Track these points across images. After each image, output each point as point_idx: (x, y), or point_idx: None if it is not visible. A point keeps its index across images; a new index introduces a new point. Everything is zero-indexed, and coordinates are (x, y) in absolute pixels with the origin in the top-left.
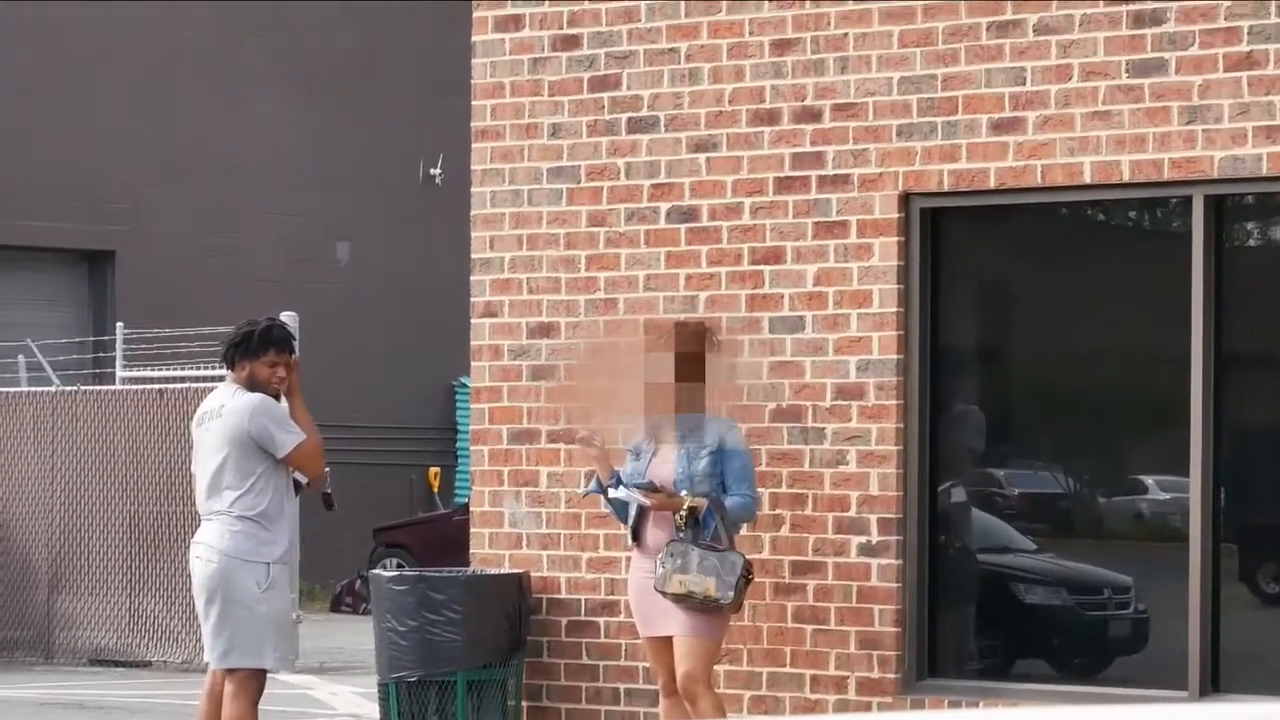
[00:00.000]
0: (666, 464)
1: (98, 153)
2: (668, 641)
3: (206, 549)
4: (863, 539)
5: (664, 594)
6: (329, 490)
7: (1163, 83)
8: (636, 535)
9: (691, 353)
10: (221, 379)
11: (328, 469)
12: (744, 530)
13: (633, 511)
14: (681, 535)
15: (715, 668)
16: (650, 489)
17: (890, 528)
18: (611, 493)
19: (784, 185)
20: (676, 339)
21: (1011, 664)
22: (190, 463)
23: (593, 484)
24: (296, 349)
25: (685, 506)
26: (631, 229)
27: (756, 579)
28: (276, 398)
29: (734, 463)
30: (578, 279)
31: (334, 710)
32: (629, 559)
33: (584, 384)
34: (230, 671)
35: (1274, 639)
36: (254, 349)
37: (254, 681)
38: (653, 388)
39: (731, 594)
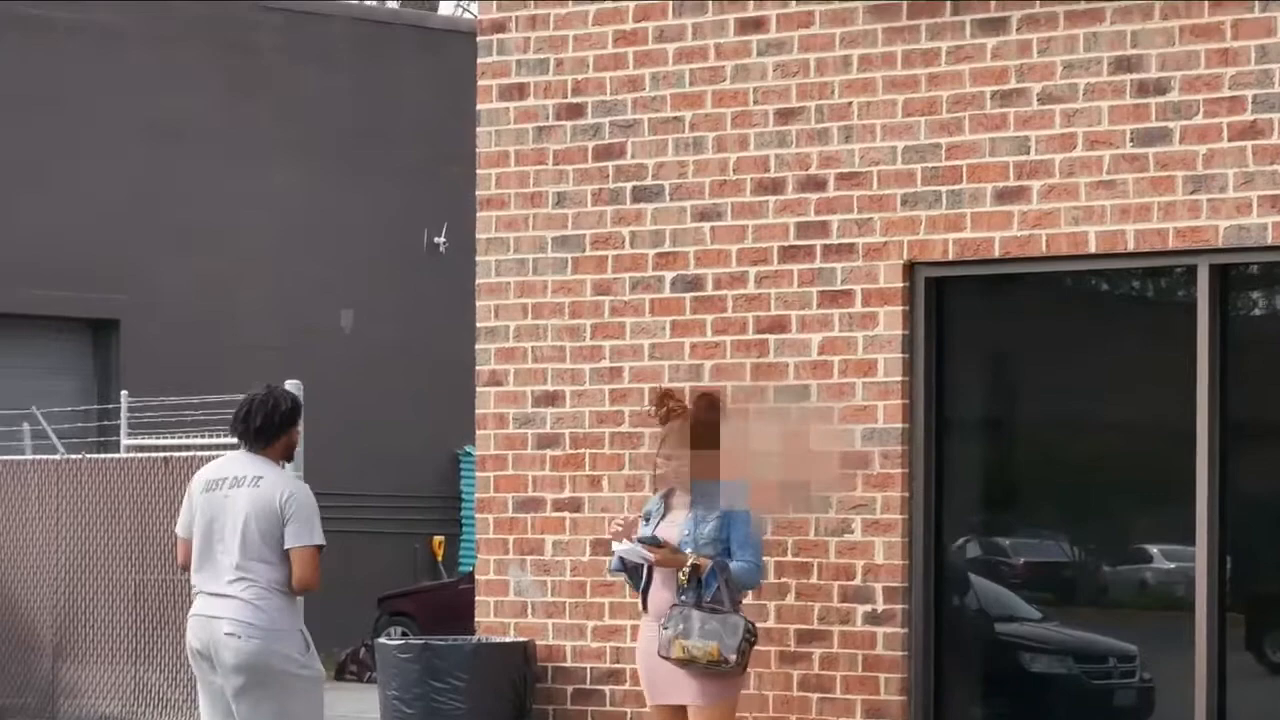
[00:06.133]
0: (673, 526)
1: (101, 221)
2: (677, 710)
3: (240, 624)
4: (868, 607)
5: (667, 659)
6: None
7: (1167, 152)
8: (645, 600)
9: (707, 421)
10: (227, 446)
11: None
12: (749, 598)
13: (644, 575)
14: (684, 598)
15: None
16: (654, 544)
17: (896, 596)
18: (615, 546)
19: (788, 254)
20: (694, 410)
21: None
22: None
23: (615, 561)
24: None
25: (688, 564)
26: (636, 298)
27: (762, 647)
28: (291, 459)
29: (740, 530)
30: (582, 348)
31: None
32: (634, 627)
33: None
34: None
35: None
36: (297, 416)
37: None
38: (673, 468)
39: (734, 656)
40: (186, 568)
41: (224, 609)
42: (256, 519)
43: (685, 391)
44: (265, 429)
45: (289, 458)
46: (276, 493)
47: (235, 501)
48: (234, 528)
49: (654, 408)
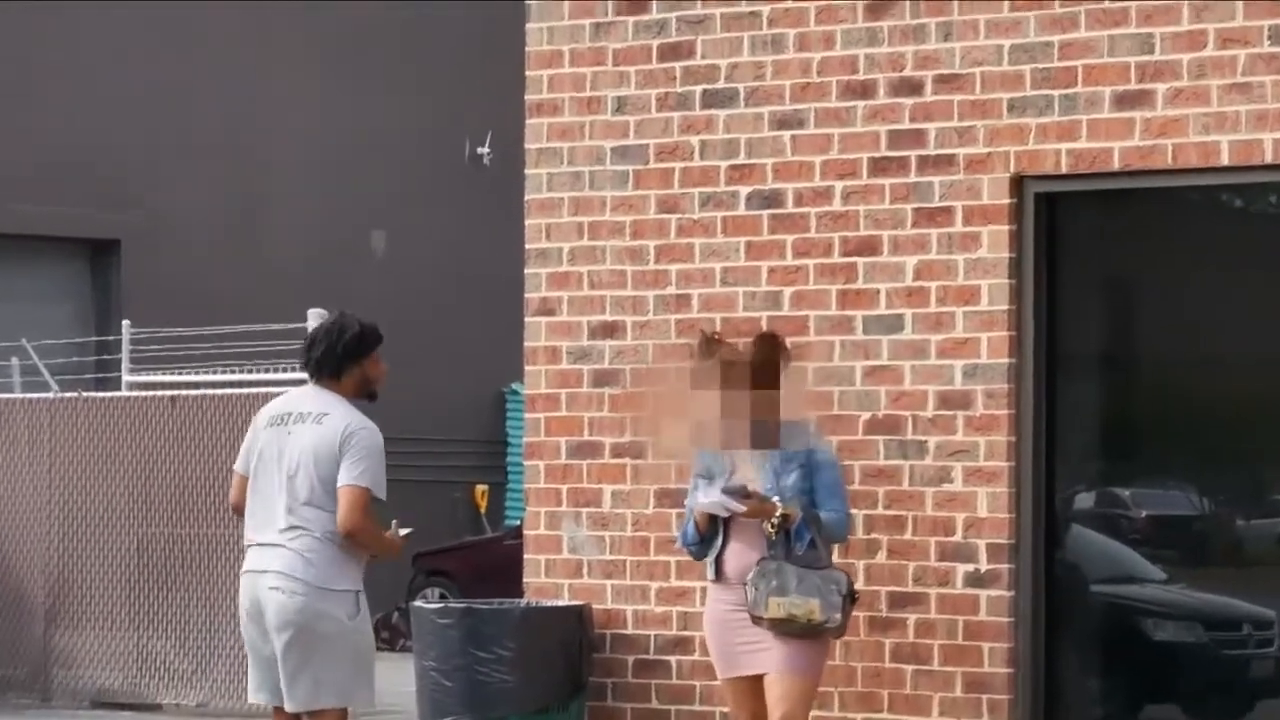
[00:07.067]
0: (749, 482)
1: (103, 130)
2: (754, 682)
3: (285, 579)
4: (970, 567)
5: (760, 620)
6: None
7: None
8: (718, 567)
9: (767, 381)
10: (246, 384)
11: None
12: (835, 555)
13: (717, 544)
14: (771, 553)
15: None
16: (743, 493)
17: (1001, 554)
18: (700, 499)
19: (880, 167)
20: (752, 373)
21: (1139, 709)
22: (211, 473)
23: (690, 531)
24: None
25: (779, 513)
26: (707, 216)
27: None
28: (375, 397)
29: (825, 475)
30: (645, 272)
31: None
32: (704, 589)
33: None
34: (315, 714)
35: None
36: (368, 347)
37: None
38: (729, 424)
39: (839, 616)
40: (239, 509)
41: (271, 561)
42: (317, 461)
43: (764, 321)
44: (325, 360)
45: (366, 395)
46: (340, 428)
47: (298, 439)
48: (292, 468)
49: (699, 353)
